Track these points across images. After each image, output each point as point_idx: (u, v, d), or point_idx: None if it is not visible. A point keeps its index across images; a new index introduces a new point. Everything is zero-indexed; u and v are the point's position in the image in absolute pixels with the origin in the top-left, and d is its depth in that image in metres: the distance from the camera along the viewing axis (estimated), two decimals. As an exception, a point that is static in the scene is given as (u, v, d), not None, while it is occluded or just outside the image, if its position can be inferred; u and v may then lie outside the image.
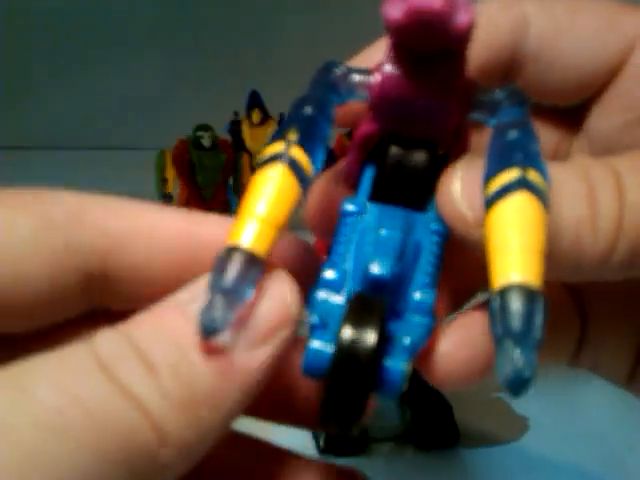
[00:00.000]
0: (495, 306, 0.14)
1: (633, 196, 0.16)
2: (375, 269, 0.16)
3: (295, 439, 0.43)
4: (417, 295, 0.17)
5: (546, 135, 0.22)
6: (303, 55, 1.01)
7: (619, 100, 0.20)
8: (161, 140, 0.70)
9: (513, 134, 0.16)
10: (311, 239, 0.25)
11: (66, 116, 1.01)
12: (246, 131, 0.76)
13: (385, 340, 0.15)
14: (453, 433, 0.44)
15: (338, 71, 0.18)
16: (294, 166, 0.15)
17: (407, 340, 0.16)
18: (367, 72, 0.18)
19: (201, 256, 0.17)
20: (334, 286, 0.16)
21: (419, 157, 0.18)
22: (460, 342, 0.17)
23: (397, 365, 0.15)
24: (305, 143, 0.16)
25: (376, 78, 0.17)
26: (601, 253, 0.16)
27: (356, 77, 0.18)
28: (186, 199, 0.67)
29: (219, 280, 0.14)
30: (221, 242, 0.15)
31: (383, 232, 0.17)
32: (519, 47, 0.19)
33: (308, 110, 0.17)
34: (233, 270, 0.14)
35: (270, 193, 0.15)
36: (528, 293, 0.14)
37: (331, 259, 0.17)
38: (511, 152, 0.15)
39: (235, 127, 0.76)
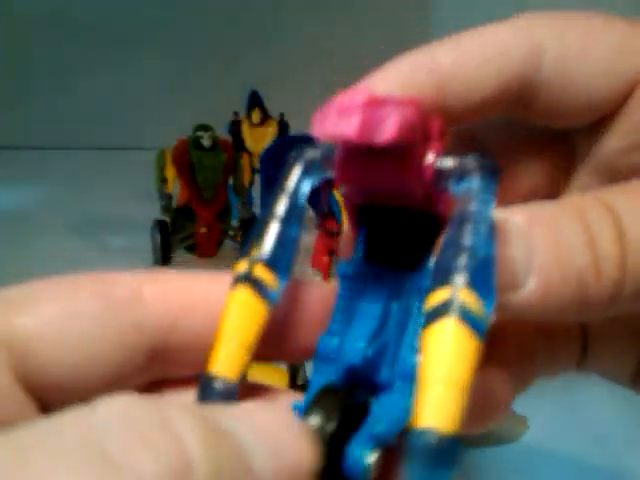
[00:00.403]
0: (408, 446, 0.13)
1: (633, 234, 0.16)
2: (350, 358, 0.16)
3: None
4: (404, 361, 0.17)
5: (544, 161, 0.22)
6: (303, 55, 1.01)
7: (626, 123, 0.20)
8: (161, 140, 0.70)
9: (464, 231, 0.15)
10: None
11: (66, 116, 1.01)
12: (246, 131, 0.76)
13: (353, 427, 0.16)
14: None
15: (305, 157, 0.18)
16: (256, 285, 0.16)
17: (380, 426, 0.16)
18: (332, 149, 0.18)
19: None
20: (329, 359, 0.17)
21: (400, 245, 0.18)
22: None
23: (359, 454, 0.15)
24: (269, 257, 0.16)
25: (335, 158, 0.17)
26: (608, 297, 0.16)
27: (319, 161, 0.17)
28: (186, 199, 0.67)
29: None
30: None
31: (362, 306, 0.17)
32: (532, 77, 0.19)
33: (274, 221, 0.17)
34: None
35: (236, 320, 0.16)
36: (435, 446, 0.13)
37: (330, 327, 0.18)
38: (453, 261, 0.14)
39: (235, 127, 0.76)
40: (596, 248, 0.16)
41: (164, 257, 0.67)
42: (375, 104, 0.15)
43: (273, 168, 0.63)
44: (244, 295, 0.16)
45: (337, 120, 0.15)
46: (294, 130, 0.75)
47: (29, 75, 1.02)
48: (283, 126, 0.76)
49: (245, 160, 0.69)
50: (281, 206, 0.17)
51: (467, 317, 0.14)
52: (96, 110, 1.01)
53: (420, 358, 0.14)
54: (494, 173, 0.15)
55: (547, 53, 0.19)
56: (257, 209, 0.70)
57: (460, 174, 0.16)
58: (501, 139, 0.22)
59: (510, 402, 0.21)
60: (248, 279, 0.16)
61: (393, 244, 0.18)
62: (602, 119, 0.20)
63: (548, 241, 0.16)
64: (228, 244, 0.70)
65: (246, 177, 0.69)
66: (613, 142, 0.20)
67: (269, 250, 0.16)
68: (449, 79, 0.19)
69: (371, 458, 0.15)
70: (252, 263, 0.16)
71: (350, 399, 0.16)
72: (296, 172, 0.17)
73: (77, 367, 0.16)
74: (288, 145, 0.67)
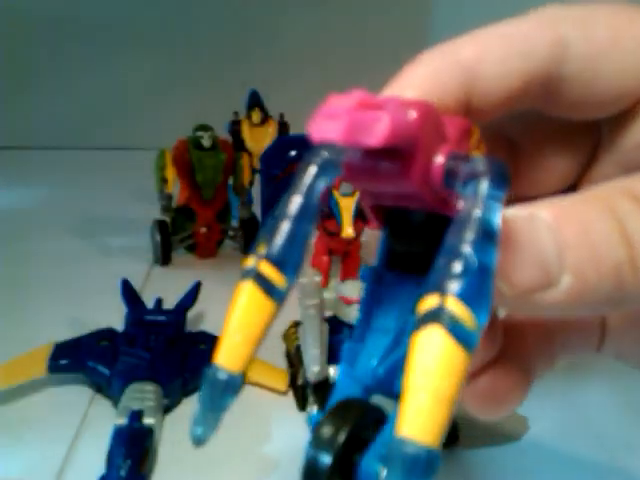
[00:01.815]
0: (387, 453, 0.13)
1: None
2: (363, 377, 0.17)
3: (296, 440, 0.43)
4: None
5: (569, 151, 0.22)
6: (303, 55, 1.01)
7: None
8: (161, 140, 0.69)
9: (464, 237, 0.14)
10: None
11: (66, 116, 1.01)
12: (246, 131, 0.76)
13: (369, 442, 0.16)
14: (453, 433, 0.44)
15: (320, 157, 0.17)
16: (262, 282, 0.16)
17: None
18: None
19: None
20: (352, 361, 0.18)
21: (419, 248, 0.18)
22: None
23: (372, 468, 0.16)
24: (276, 254, 0.16)
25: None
26: None
27: (335, 161, 0.17)
28: (186, 199, 0.67)
29: (202, 402, 0.16)
30: None
31: (378, 317, 0.17)
32: (556, 72, 0.19)
33: (284, 218, 0.16)
34: (215, 395, 0.16)
35: (241, 313, 0.16)
36: (413, 457, 0.13)
37: (354, 332, 0.18)
38: (447, 267, 0.14)
39: (235, 127, 0.76)
40: (631, 241, 0.16)
41: (164, 257, 0.67)
42: (365, 107, 0.15)
43: (273, 168, 0.63)
44: (250, 290, 0.16)
45: (325, 123, 0.15)
46: (294, 130, 0.75)
47: (29, 75, 1.01)
48: (283, 126, 0.76)
49: (245, 160, 0.68)
50: (294, 204, 0.16)
51: (455, 327, 0.13)
52: (96, 110, 1.01)
53: (406, 364, 0.14)
54: (504, 178, 0.15)
55: (571, 48, 0.19)
56: (257, 209, 0.69)
57: (469, 176, 0.15)
58: (526, 130, 0.22)
59: (526, 391, 0.21)
60: (254, 275, 0.16)
61: (412, 248, 0.18)
62: (628, 111, 0.20)
63: (580, 237, 0.16)
64: (228, 244, 0.70)
65: (246, 177, 0.69)
66: (637, 134, 0.20)
67: (277, 248, 0.16)
68: (474, 77, 0.18)
69: (385, 472, 0.15)
70: (258, 259, 0.16)
71: (365, 412, 0.16)
72: (312, 171, 0.17)
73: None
74: (288, 145, 0.67)
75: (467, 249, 0.14)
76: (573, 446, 0.44)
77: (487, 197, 0.15)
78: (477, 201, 0.15)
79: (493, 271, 0.14)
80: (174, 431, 0.44)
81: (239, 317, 0.16)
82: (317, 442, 0.16)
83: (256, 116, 0.75)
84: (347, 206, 0.53)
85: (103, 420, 0.44)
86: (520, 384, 0.21)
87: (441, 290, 0.14)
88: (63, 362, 0.48)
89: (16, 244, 0.71)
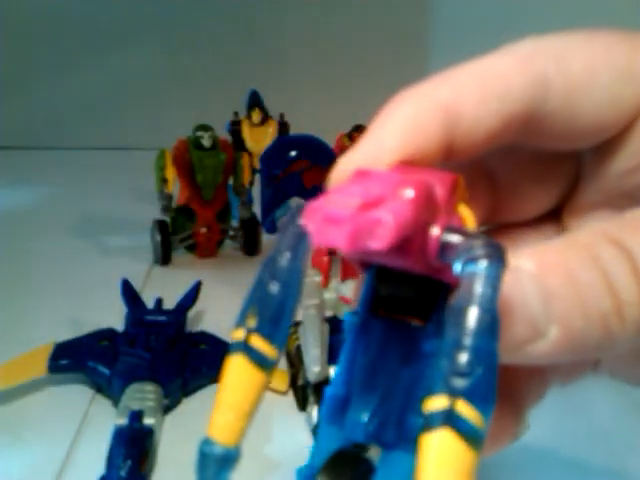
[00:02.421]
0: None
1: None
2: (351, 433, 0.17)
3: (297, 440, 0.43)
4: (411, 427, 0.17)
5: (549, 182, 0.22)
6: (304, 55, 1.01)
7: (633, 145, 0.20)
8: (161, 140, 0.69)
9: (467, 327, 0.14)
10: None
11: (65, 116, 1.01)
12: (246, 131, 0.76)
13: None
14: None
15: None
16: (253, 355, 0.16)
17: None
18: None
19: None
20: (336, 413, 0.18)
21: (408, 293, 0.18)
22: None
23: None
24: (265, 326, 0.16)
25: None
26: (632, 337, 0.16)
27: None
28: (186, 199, 0.67)
29: (199, 477, 0.16)
30: None
31: (366, 372, 0.17)
32: (536, 111, 0.19)
33: (272, 286, 0.16)
34: (211, 470, 0.16)
35: (235, 389, 0.16)
36: None
37: (335, 380, 0.18)
38: (453, 364, 0.14)
39: (235, 127, 0.76)
40: (616, 291, 0.16)
41: (164, 257, 0.66)
42: (367, 207, 0.14)
43: (273, 168, 0.63)
44: (242, 364, 0.16)
45: (327, 229, 0.14)
46: (294, 130, 0.75)
47: (28, 74, 1.01)
48: (283, 126, 0.76)
49: (245, 160, 0.68)
50: (279, 270, 0.16)
51: (465, 430, 0.13)
52: (95, 110, 1.01)
53: (416, 464, 0.14)
54: (501, 259, 0.15)
55: (552, 87, 0.19)
56: (257, 209, 0.69)
57: (466, 257, 0.15)
58: (505, 163, 0.22)
59: (519, 430, 0.21)
60: (244, 348, 0.16)
61: (400, 293, 0.18)
62: (609, 141, 0.20)
63: (565, 287, 0.16)
64: (228, 244, 0.70)
65: (246, 177, 0.68)
66: (620, 163, 0.20)
67: (267, 320, 0.16)
68: (454, 120, 0.18)
69: None
70: (248, 333, 0.16)
71: (357, 466, 0.16)
72: (293, 233, 0.16)
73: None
74: (288, 145, 0.67)
75: (471, 341, 0.14)
76: (575, 446, 0.44)
77: (487, 282, 0.15)
78: (478, 286, 0.15)
79: (497, 361, 0.14)
80: (174, 431, 0.44)
81: (230, 393, 0.16)
82: None
83: (256, 116, 0.75)
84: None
85: (103, 420, 0.44)
86: (512, 425, 0.21)
87: (450, 391, 0.14)
88: (63, 362, 0.48)
89: (16, 244, 0.71)
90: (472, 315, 0.14)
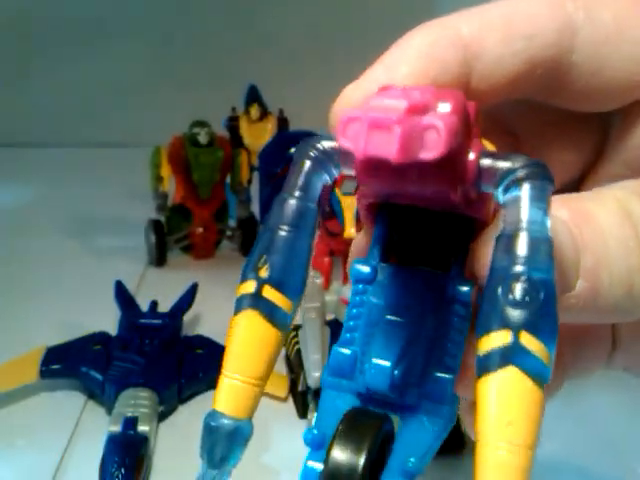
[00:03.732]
0: None
1: None
2: (373, 380, 0.15)
3: (297, 448, 0.42)
4: (435, 382, 0.16)
5: (574, 145, 0.21)
6: (303, 49, 1.00)
7: None
8: (156, 137, 0.68)
9: (519, 255, 0.13)
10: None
11: (58, 113, 1.00)
12: (244, 127, 0.75)
13: (383, 459, 0.15)
14: (459, 440, 0.43)
15: (316, 152, 0.15)
16: (268, 310, 0.15)
17: (412, 461, 0.15)
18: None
19: None
20: (343, 373, 0.16)
21: (424, 237, 0.17)
22: None
23: None
24: (279, 275, 0.15)
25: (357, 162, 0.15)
26: None
27: (333, 156, 0.15)
28: (182, 198, 0.66)
29: (207, 458, 0.15)
30: None
31: (387, 318, 0.16)
32: (563, 59, 0.18)
33: (283, 229, 0.15)
34: (218, 449, 0.15)
35: (246, 349, 0.15)
36: None
37: (343, 336, 0.17)
38: (508, 294, 0.13)
39: (233, 123, 0.75)
40: None
41: (159, 258, 0.65)
42: (414, 111, 0.13)
43: (272, 165, 0.62)
44: (253, 320, 0.15)
45: (371, 137, 0.13)
46: (294, 126, 0.74)
47: (22, 71, 1.01)
48: (283, 122, 0.75)
49: (243, 157, 0.68)
50: (289, 211, 0.15)
51: (531, 367, 0.13)
52: (89, 107, 1.00)
53: (478, 409, 0.13)
54: (547, 179, 0.14)
55: (580, 34, 0.17)
56: (255, 208, 0.69)
57: (509, 180, 0.14)
58: (527, 120, 0.21)
59: None
60: (256, 301, 0.15)
61: (415, 243, 0.17)
62: (635, 107, 0.19)
63: (597, 240, 0.16)
64: (226, 245, 0.69)
65: (244, 175, 0.68)
66: None
67: (280, 268, 0.15)
68: (474, 56, 0.17)
69: None
70: (261, 285, 0.15)
71: (378, 428, 0.15)
72: (304, 169, 0.15)
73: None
74: (288, 142, 0.66)
75: (525, 269, 0.13)
76: (580, 452, 0.44)
77: (534, 205, 0.13)
78: (525, 211, 0.13)
79: (555, 289, 0.13)
80: (170, 439, 0.43)
81: (245, 357, 0.15)
82: (334, 471, 0.14)
83: (255, 112, 0.74)
84: (349, 205, 0.52)
85: (96, 427, 0.43)
86: None
87: (509, 324, 0.13)
88: (55, 367, 0.47)
89: (6, 244, 0.70)
90: (523, 241, 0.13)
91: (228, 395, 0.15)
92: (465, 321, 0.16)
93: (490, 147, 0.16)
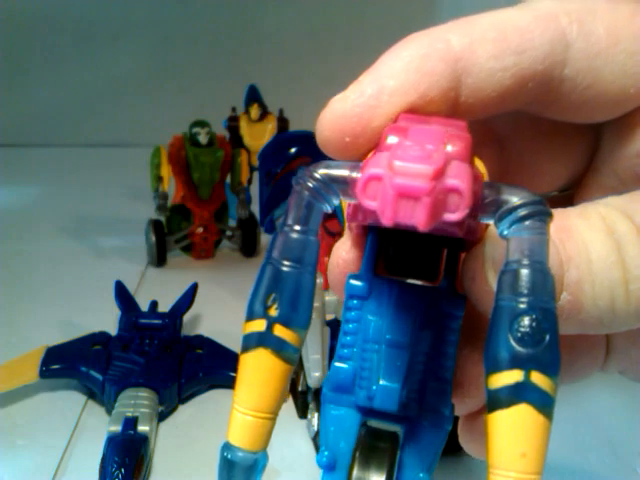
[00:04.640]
0: None
1: None
2: (383, 402, 0.16)
3: (297, 448, 0.42)
4: (434, 395, 0.16)
5: (566, 156, 0.21)
6: (303, 49, 1.00)
7: None
8: (156, 136, 0.68)
9: (522, 291, 0.14)
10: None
11: (58, 113, 1.00)
12: (244, 127, 0.75)
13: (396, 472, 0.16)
14: (458, 440, 0.43)
15: (315, 181, 0.16)
16: (279, 347, 0.15)
17: (421, 475, 0.16)
18: (351, 168, 0.16)
19: None
20: (343, 387, 0.17)
21: (415, 252, 0.17)
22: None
23: None
24: (288, 312, 0.15)
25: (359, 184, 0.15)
26: (633, 314, 0.16)
27: (336, 185, 0.16)
28: (182, 198, 0.66)
29: None
30: None
31: (388, 337, 0.16)
32: (556, 74, 0.18)
33: (287, 265, 0.15)
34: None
35: (260, 386, 0.15)
36: None
37: (341, 351, 0.17)
38: (516, 331, 0.14)
39: (233, 123, 0.75)
40: (626, 264, 0.16)
41: (159, 258, 0.65)
42: (438, 174, 0.13)
43: (272, 166, 0.62)
44: (264, 358, 0.15)
45: (399, 204, 0.13)
46: (294, 126, 0.74)
47: (22, 71, 1.00)
48: (283, 122, 0.75)
49: (243, 157, 0.67)
50: (292, 246, 0.15)
51: (542, 402, 0.13)
52: (89, 107, 1.00)
53: (490, 441, 0.14)
54: (545, 215, 0.14)
55: (573, 48, 0.17)
56: (255, 208, 0.68)
57: (511, 218, 0.14)
58: (517, 129, 0.21)
59: None
60: (268, 340, 0.15)
61: (407, 258, 0.17)
62: (628, 117, 0.19)
63: (580, 255, 0.16)
64: (225, 245, 0.69)
65: (244, 175, 0.67)
66: (637, 142, 0.19)
67: (288, 304, 0.15)
68: (464, 70, 0.17)
69: None
70: (271, 324, 0.15)
71: (392, 449, 0.16)
72: (304, 201, 0.15)
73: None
74: (288, 142, 0.65)
75: (530, 307, 0.14)
76: (580, 452, 0.43)
77: (534, 241, 0.14)
78: (525, 248, 0.14)
79: (557, 320, 0.14)
80: (170, 439, 0.43)
81: (259, 392, 0.15)
82: None
83: (255, 112, 0.74)
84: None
85: (96, 427, 0.43)
86: None
87: (520, 364, 0.13)
88: (55, 367, 0.47)
89: (5, 244, 0.70)
90: (526, 278, 0.14)
91: (243, 431, 0.15)
92: (456, 333, 0.16)
93: (480, 166, 0.16)
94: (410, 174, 0.13)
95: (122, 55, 0.99)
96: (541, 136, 0.21)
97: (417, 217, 0.13)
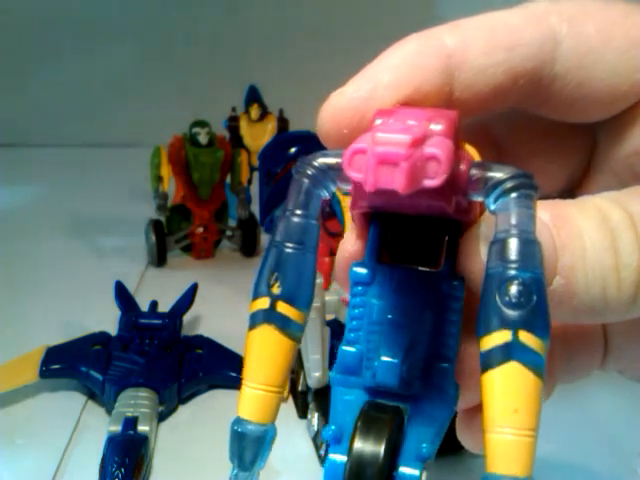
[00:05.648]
0: None
1: None
2: (383, 377, 0.17)
3: (297, 448, 0.42)
4: (438, 373, 0.17)
5: (562, 156, 0.21)
6: (303, 49, 1.00)
7: None
8: (156, 136, 0.68)
9: (512, 259, 0.14)
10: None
11: (58, 113, 1.00)
12: (244, 127, 0.75)
13: (399, 446, 0.16)
14: (457, 439, 0.43)
15: (313, 169, 0.17)
16: (283, 323, 0.16)
17: (425, 447, 0.16)
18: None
19: None
20: (351, 369, 0.17)
21: (417, 237, 0.18)
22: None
23: (412, 474, 0.16)
24: (290, 290, 0.16)
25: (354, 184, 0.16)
26: (625, 302, 0.17)
27: (333, 172, 0.17)
28: (182, 198, 0.66)
29: (237, 462, 0.17)
30: None
31: (390, 317, 0.17)
32: (545, 70, 0.18)
33: (289, 246, 0.16)
34: (248, 454, 0.16)
35: (265, 361, 0.16)
36: None
37: (348, 335, 0.18)
38: (504, 296, 0.14)
39: (233, 123, 0.75)
40: (618, 252, 0.16)
41: (159, 258, 0.65)
42: (416, 144, 0.14)
43: (272, 166, 0.62)
44: (270, 334, 0.16)
45: (379, 171, 0.14)
46: (294, 126, 0.74)
47: (22, 71, 1.00)
48: (283, 122, 0.75)
49: (243, 157, 0.67)
50: (293, 229, 0.16)
51: (530, 360, 0.14)
52: (89, 107, 1.00)
53: (484, 401, 0.14)
54: (532, 189, 0.15)
55: (563, 46, 0.18)
56: (255, 208, 0.69)
57: (498, 191, 0.15)
58: (512, 130, 0.21)
59: None
60: (271, 316, 0.16)
61: (408, 244, 0.18)
62: (623, 116, 0.19)
63: (574, 241, 0.16)
64: (225, 245, 0.69)
65: (244, 175, 0.67)
66: (633, 140, 0.19)
67: (291, 283, 0.16)
68: (457, 67, 0.18)
69: (423, 478, 0.16)
70: (274, 301, 0.16)
71: (393, 419, 0.16)
72: (304, 187, 0.16)
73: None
74: (288, 142, 0.66)
75: (517, 273, 0.14)
76: (580, 451, 0.43)
77: (523, 212, 0.15)
78: (512, 219, 0.15)
79: (545, 285, 0.14)
80: (170, 439, 0.43)
81: (264, 367, 0.16)
82: (358, 460, 0.16)
83: (255, 112, 0.74)
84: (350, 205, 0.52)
85: (96, 427, 0.43)
86: None
87: (508, 324, 0.14)
88: (55, 367, 0.47)
89: (6, 244, 0.70)
90: (514, 246, 0.14)
91: (252, 404, 0.16)
92: (458, 314, 0.17)
93: (473, 152, 0.17)
94: (389, 143, 0.14)
95: (122, 55, 0.99)
96: (538, 138, 0.21)
97: (397, 182, 0.14)
